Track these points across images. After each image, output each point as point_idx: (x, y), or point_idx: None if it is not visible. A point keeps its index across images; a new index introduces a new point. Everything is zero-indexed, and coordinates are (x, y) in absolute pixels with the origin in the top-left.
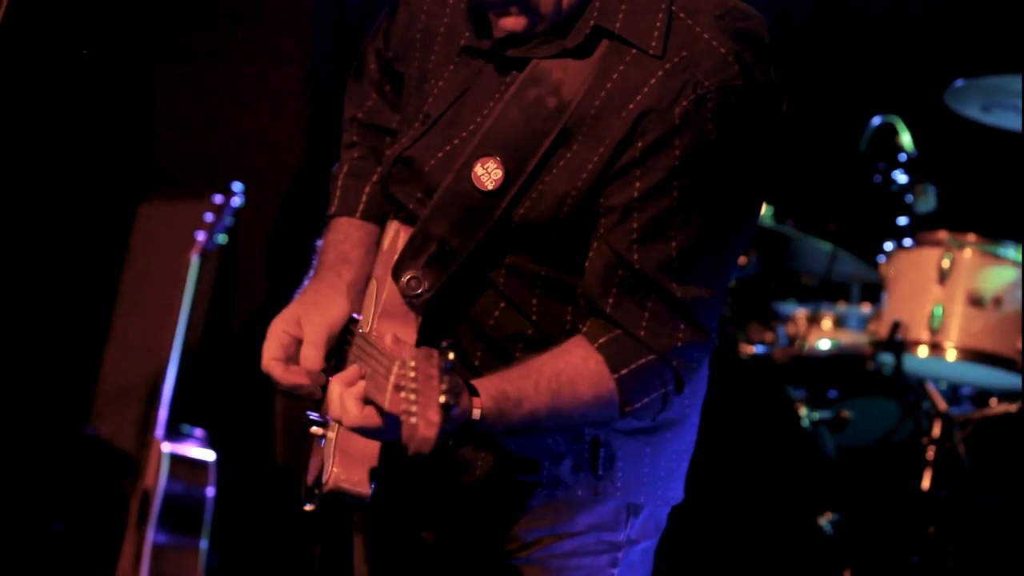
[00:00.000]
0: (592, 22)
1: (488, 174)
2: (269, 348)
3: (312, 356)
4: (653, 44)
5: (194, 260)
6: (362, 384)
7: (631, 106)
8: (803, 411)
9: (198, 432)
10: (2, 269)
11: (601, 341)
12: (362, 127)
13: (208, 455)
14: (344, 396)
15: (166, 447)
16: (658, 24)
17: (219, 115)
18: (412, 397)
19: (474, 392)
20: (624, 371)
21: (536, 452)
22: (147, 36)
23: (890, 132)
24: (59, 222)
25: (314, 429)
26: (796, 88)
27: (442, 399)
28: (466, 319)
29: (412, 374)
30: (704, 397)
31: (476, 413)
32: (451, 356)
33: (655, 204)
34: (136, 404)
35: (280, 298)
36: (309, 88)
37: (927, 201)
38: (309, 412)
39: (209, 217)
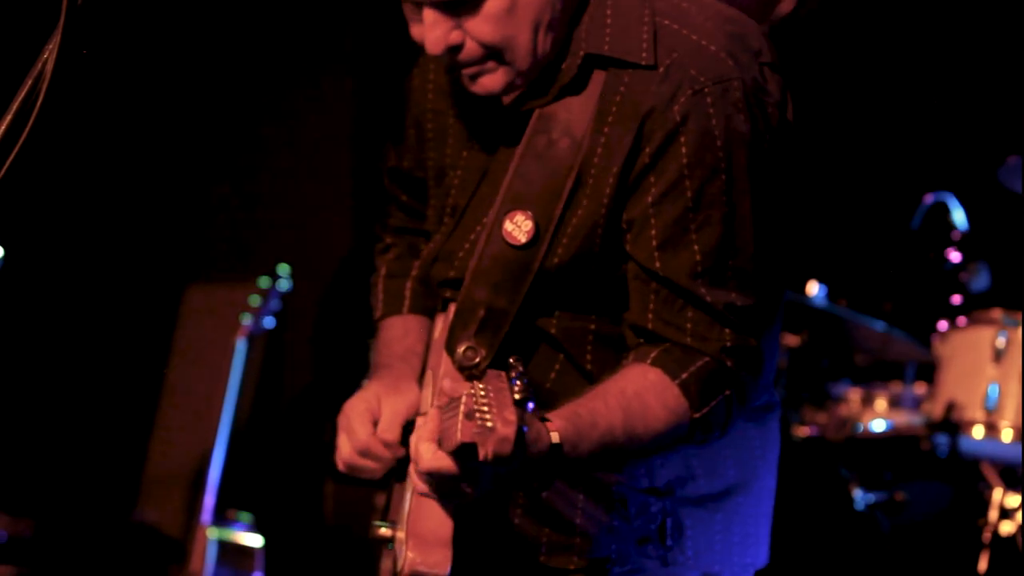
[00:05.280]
0: (582, 52)
1: (519, 227)
2: (364, 426)
3: (391, 431)
4: (644, 55)
5: (241, 344)
6: (433, 426)
7: (638, 118)
8: (857, 493)
9: (246, 517)
10: (51, 353)
11: (653, 356)
12: (393, 231)
13: (256, 540)
14: (417, 442)
15: (213, 532)
16: (645, 36)
17: (267, 200)
18: (485, 410)
19: (546, 420)
20: (685, 375)
21: (601, 529)
22: (199, 124)
23: (943, 210)
24: (107, 306)
25: (382, 531)
26: (851, 167)
27: (517, 396)
28: None
29: (482, 393)
30: (778, 460)
31: (555, 436)
32: (521, 368)
33: (670, 207)
34: (183, 489)
35: (328, 382)
36: (356, 173)
37: (981, 279)
38: (375, 522)
39: (256, 301)
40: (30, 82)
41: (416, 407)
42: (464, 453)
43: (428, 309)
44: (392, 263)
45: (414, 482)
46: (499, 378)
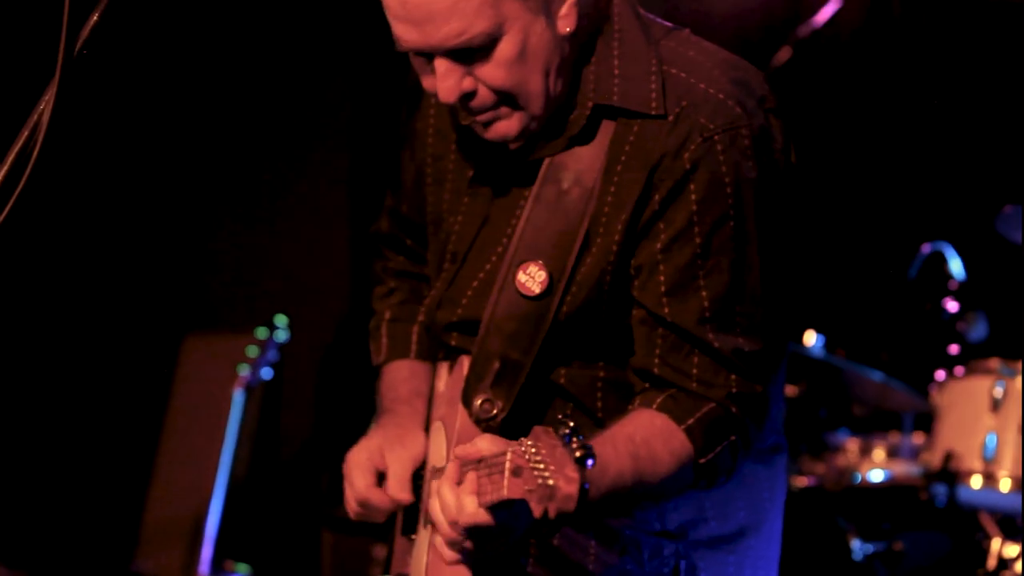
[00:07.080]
0: (590, 103)
1: (532, 278)
2: (363, 476)
3: (403, 489)
4: (654, 105)
5: (238, 394)
6: (474, 477)
7: (647, 166)
8: (855, 543)
9: (243, 568)
10: (51, 403)
11: (659, 402)
12: (396, 275)
13: None
14: (459, 494)
15: None
16: (653, 85)
17: (265, 251)
18: (540, 466)
19: None
20: (691, 421)
21: (614, 574)
22: (197, 175)
23: (940, 260)
24: (106, 356)
25: None
26: (848, 217)
27: (577, 454)
28: None
29: (533, 450)
30: (784, 503)
31: None
32: (571, 424)
33: (679, 253)
34: (181, 540)
35: (325, 433)
36: (353, 223)
37: (978, 329)
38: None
39: (254, 352)
40: (27, 133)
41: (422, 456)
42: (504, 509)
43: (434, 357)
44: (396, 308)
45: (442, 533)
46: (548, 435)
